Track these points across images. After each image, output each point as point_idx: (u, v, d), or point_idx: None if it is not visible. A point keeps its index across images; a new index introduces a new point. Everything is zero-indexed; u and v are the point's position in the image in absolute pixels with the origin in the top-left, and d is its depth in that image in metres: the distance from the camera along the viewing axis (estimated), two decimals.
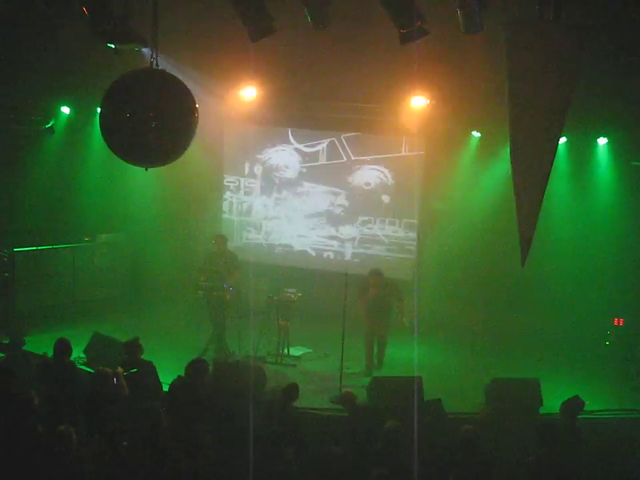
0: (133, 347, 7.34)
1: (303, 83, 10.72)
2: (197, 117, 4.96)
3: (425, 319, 11.40)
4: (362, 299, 9.57)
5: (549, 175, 4.89)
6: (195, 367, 6.90)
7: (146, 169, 5.23)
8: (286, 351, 9.86)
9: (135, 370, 6.99)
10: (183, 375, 6.89)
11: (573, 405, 6.78)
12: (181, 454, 5.48)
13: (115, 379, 6.53)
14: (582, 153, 10.73)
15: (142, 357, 7.34)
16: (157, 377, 7.34)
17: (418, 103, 10.58)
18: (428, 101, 10.53)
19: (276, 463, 5.43)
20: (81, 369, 8.66)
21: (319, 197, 12.06)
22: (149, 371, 7.22)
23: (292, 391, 6.83)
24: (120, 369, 6.77)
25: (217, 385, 7.80)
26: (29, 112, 11.00)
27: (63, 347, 7.05)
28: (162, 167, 5.27)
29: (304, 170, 12.06)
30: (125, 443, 5.56)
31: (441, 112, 10.59)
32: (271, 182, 12.27)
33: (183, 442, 5.73)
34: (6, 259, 10.43)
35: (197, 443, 5.71)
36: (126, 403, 6.50)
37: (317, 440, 6.60)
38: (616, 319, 10.63)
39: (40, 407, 5.89)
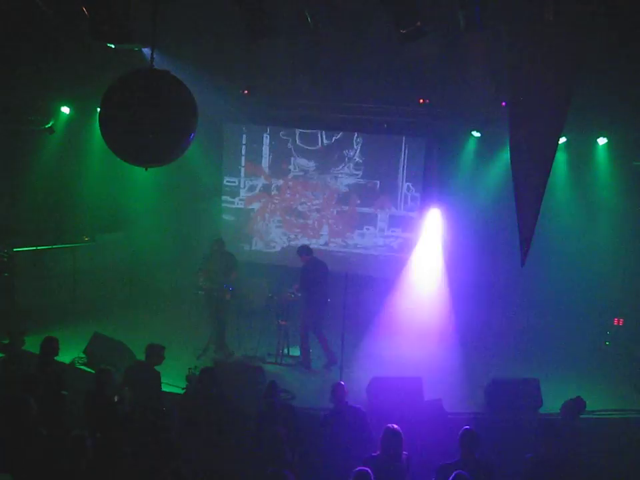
0: (157, 350, 7.29)
1: (303, 82, 10.71)
2: (197, 117, 4.97)
3: (425, 319, 11.44)
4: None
5: (549, 175, 4.90)
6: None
7: (146, 169, 5.24)
8: (286, 350, 9.86)
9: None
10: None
11: (574, 406, 6.76)
12: (181, 454, 5.47)
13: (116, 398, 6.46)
14: (582, 153, 10.73)
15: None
16: (160, 388, 7.29)
17: (418, 103, 10.60)
18: (428, 101, 10.54)
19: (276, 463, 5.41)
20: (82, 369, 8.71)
21: (319, 196, 12.07)
22: (155, 380, 7.16)
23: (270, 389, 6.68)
24: (126, 389, 6.71)
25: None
26: (28, 112, 10.99)
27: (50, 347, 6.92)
28: (162, 167, 5.27)
29: (304, 170, 12.07)
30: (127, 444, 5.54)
31: (441, 112, 10.61)
32: (271, 182, 12.27)
33: (184, 442, 5.72)
34: (6, 259, 10.43)
35: (197, 444, 5.70)
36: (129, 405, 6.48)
37: (317, 440, 6.59)
38: (616, 319, 10.64)
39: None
